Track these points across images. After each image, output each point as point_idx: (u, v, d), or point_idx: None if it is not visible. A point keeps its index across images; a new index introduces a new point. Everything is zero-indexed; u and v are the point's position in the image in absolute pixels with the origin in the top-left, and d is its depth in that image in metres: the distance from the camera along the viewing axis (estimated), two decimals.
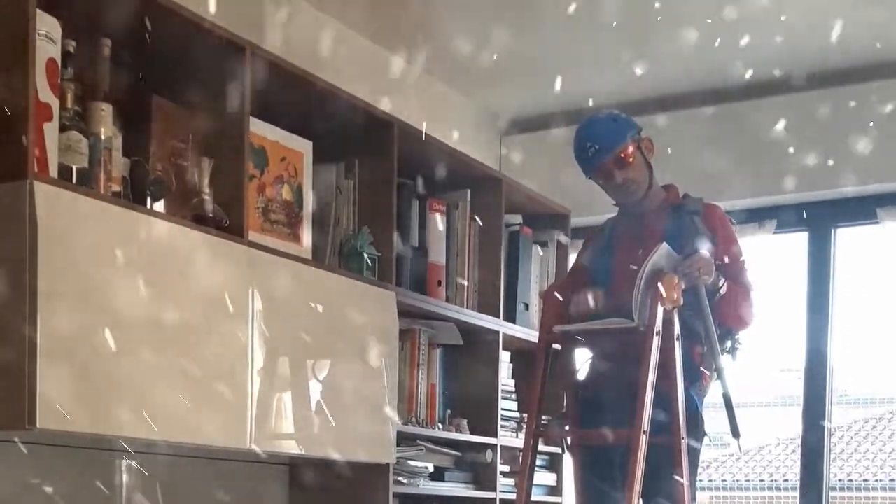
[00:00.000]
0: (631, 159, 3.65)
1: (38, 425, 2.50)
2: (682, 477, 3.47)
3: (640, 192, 3.70)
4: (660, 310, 3.42)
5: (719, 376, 3.69)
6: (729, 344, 3.77)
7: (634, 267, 3.53)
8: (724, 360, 3.73)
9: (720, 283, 3.60)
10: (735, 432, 3.69)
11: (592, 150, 3.66)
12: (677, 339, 3.47)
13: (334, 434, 3.53)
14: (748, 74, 4.63)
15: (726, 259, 3.65)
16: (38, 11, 2.55)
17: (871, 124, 4.50)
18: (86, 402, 2.65)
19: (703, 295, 3.56)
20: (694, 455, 3.67)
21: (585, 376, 3.78)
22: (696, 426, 3.65)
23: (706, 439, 3.79)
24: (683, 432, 3.48)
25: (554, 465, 4.82)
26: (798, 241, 4.85)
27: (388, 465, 3.76)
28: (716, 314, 3.65)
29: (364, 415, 3.65)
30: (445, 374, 4.34)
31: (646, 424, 3.38)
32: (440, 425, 4.22)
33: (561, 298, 3.70)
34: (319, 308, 3.48)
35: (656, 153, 3.73)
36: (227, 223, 3.09)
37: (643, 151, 3.69)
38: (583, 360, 3.80)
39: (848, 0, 3.99)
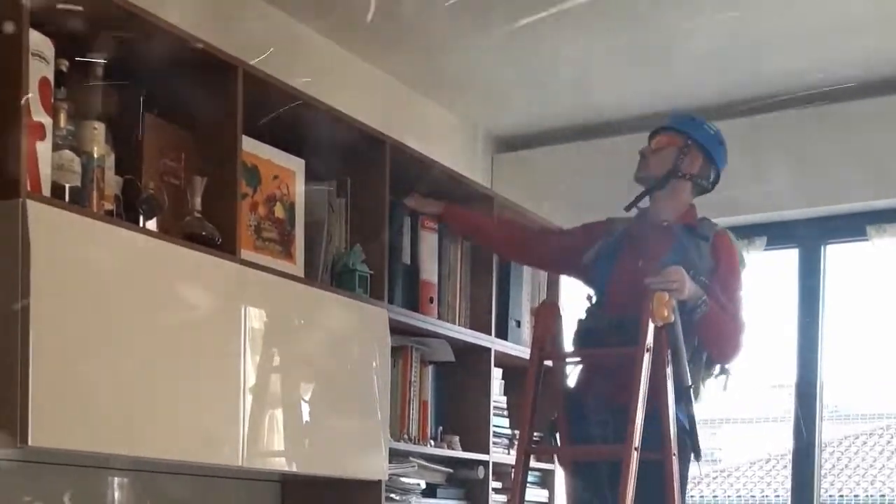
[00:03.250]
0: (663, 150, 3.67)
1: (30, 443, 2.50)
2: (673, 493, 3.48)
3: (646, 181, 3.70)
4: (651, 327, 3.43)
5: (692, 394, 3.68)
6: (717, 369, 3.75)
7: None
8: (710, 384, 3.74)
9: (700, 301, 3.55)
10: (696, 454, 3.68)
11: (666, 121, 3.71)
12: (668, 356, 3.49)
13: (326, 451, 3.54)
14: (735, 93, 4.67)
15: (720, 290, 3.62)
16: (31, 31, 2.56)
17: (860, 142, 4.53)
18: (78, 420, 2.65)
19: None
20: (684, 472, 3.67)
21: (574, 385, 3.78)
22: (683, 446, 3.65)
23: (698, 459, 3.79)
24: (674, 449, 3.49)
25: (546, 481, 4.83)
26: (788, 258, 4.87)
27: (380, 481, 3.75)
28: (695, 334, 3.63)
29: (356, 431, 3.65)
30: (437, 391, 4.34)
31: (637, 441, 3.39)
32: (432, 442, 4.23)
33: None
34: (311, 326, 3.49)
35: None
36: (219, 241, 3.09)
37: (682, 157, 3.67)
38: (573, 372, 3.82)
39: (822, 27, 4.03)
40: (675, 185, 3.69)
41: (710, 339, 3.65)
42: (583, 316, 3.81)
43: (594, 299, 3.80)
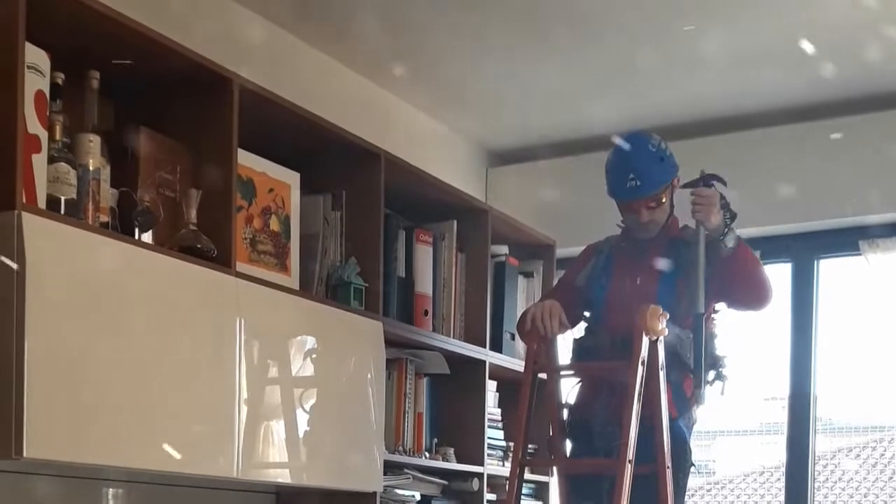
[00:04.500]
0: (664, 201, 3.62)
1: (25, 454, 2.50)
2: None
3: (656, 231, 3.67)
4: (644, 340, 3.44)
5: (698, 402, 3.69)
6: (713, 375, 3.73)
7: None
8: (710, 391, 3.74)
9: (725, 233, 3.50)
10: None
11: (633, 183, 3.56)
12: (661, 369, 3.50)
13: (321, 463, 3.55)
14: (731, 110, 4.69)
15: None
16: (27, 44, 2.57)
17: (854, 157, 4.55)
18: (73, 432, 2.65)
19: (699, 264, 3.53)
20: (681, 486, 3.68)
21: (575, 401, 3.79)
22: (683, 457, 3.66)
23: (693, 469, 3.80)
24: (668, 461, 3.49)
25: (540, 493, 4.83)
26: (782, 272, 4.89)
27: (374, 493, 3.76)
28: (724, 279, 3.57)
29: (351, 443, 3.66)
30: (432, 403, 4.35)
31: (631, 454, 3.39)
32: (427, 454, 4.23)
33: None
34: (307, 338, 3.50)
35: None
36: (214, 254, 3.10)
37: (673, 192, 3.65)
38: (571, 386, 3.82)
39: (818, 41, 4.05)
40: None
41: (740, 275, 3.58)
42: (581, 335, 3.82)
43: (592, 318, 3.80)
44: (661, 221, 3.65)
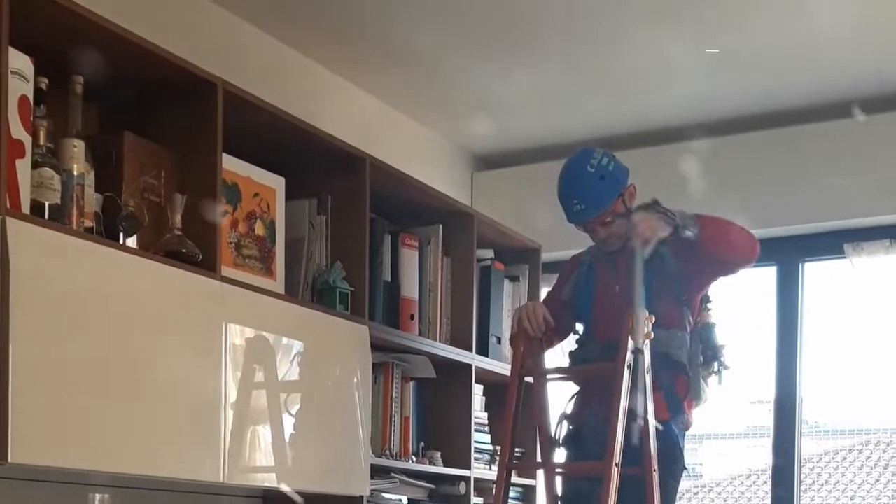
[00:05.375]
0: (616, 214, 3.59)
1: (9, 460, 2.50)
2: None
3: (620, 243, 3.64)
4: (630, 345, 3.44)
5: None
6: (715, 366, 3.73)
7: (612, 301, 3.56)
8: (712, 382, 3.74)
9: (679, 224, 3.43)
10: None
11: (578, 207, 3.58)
12: (647, 372, 3.50)
13: (308, 467, 3.55)
14: (715, 113, 4.70)
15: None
16: (11, 49, 2.57)
17: (838, 160, 4.57)
18: (58, 437, 2.65)
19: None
20: (672, 488, 3.68)
21: (572, 409, 3.78)
22: (675, 460, 3.66)
23: (685, 472, 3.80)
24: (654, 465, 3.50)
25: (528, 497, 4.83)
26: (767, 276, 4.90)
27: (361, 497, 3.76)
28: (704, 256, 3.52)
29: (337, 447, 3.66)
30: (419, 407, 4.36)
31: (617, 457, 3.40)
32: (414, 458, 4.24)
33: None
34: (292, 342, 3.50)
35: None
36: (199, 258, 3.10)
37: (626, 203, 3.61)
38: (571, 394, 3.82)
39: (798, 46, 4.07)
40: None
41: (718, 241, 3.51)
42: (574, 347, 3.82)
43: (582, 329, 3.81)
44: (623, 232, 3.60)
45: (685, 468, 3.77)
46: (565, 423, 3.75)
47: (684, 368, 3.65)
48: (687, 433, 3.79)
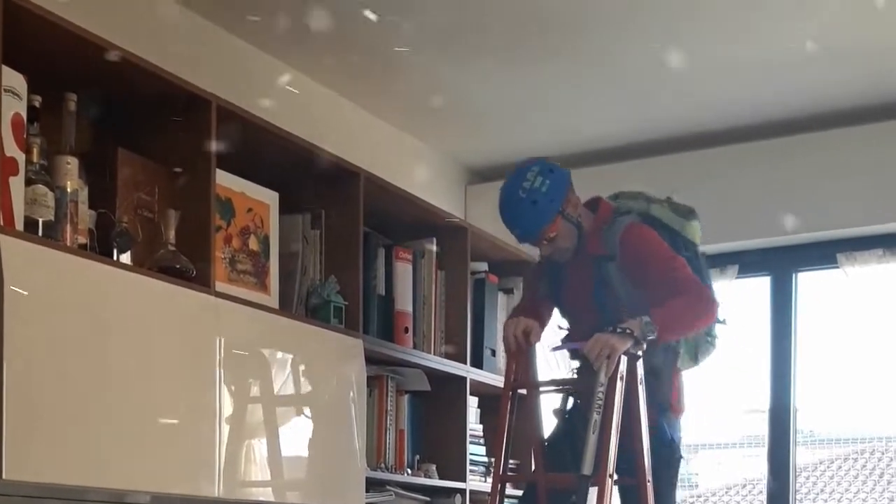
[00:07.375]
0: (555, 233, 3.58)
1: (3, 476, 2.51)
2: None
3: (570, 253, 3.65)
4: (623, 357, 3.44)
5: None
6: (707, 338, 3.76)
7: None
8: (704, 351, 3.78)
9: (643, 330, 3.43)
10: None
11: (516, 232, 3.62)
12: (640, 383, 3.51)
13: (303, 480, 3.55)
14: (708, 123, 4.72)
15: (654, 279, 3.54)
16: (4, 67, 2.58)
17: (831, 171, 4.58)
18: (53, 453, 2.66)
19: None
20: (672, 477, 3.72)
21: (568, 415, 3.78)
22: (669, 453, 3.68)
23: (682, 462, 3.81)
24: (648, 475, 3.50)
25: None
26: (760, 286, 4.92)
27: None
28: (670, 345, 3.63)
29: (333, 461, 3.67)
30: (413, 420, 4.36)
31: (612, 468, 3.40)
32: (409, 470, 4.24)
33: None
34: (287, 357, 3.51)
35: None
36: (193, 274, 3.11)
37: (568, 216, 3.58)
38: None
39: (792, 57, 4.08)
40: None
41: (677, 331, 3.57)
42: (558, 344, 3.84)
43: (564, 326, 3.84)
44: (570, 245, 3.62)
45: (681, 457, 3.77)
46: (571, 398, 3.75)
47: (660, 373, 3.66)
48: (680, 419, 3.78)
